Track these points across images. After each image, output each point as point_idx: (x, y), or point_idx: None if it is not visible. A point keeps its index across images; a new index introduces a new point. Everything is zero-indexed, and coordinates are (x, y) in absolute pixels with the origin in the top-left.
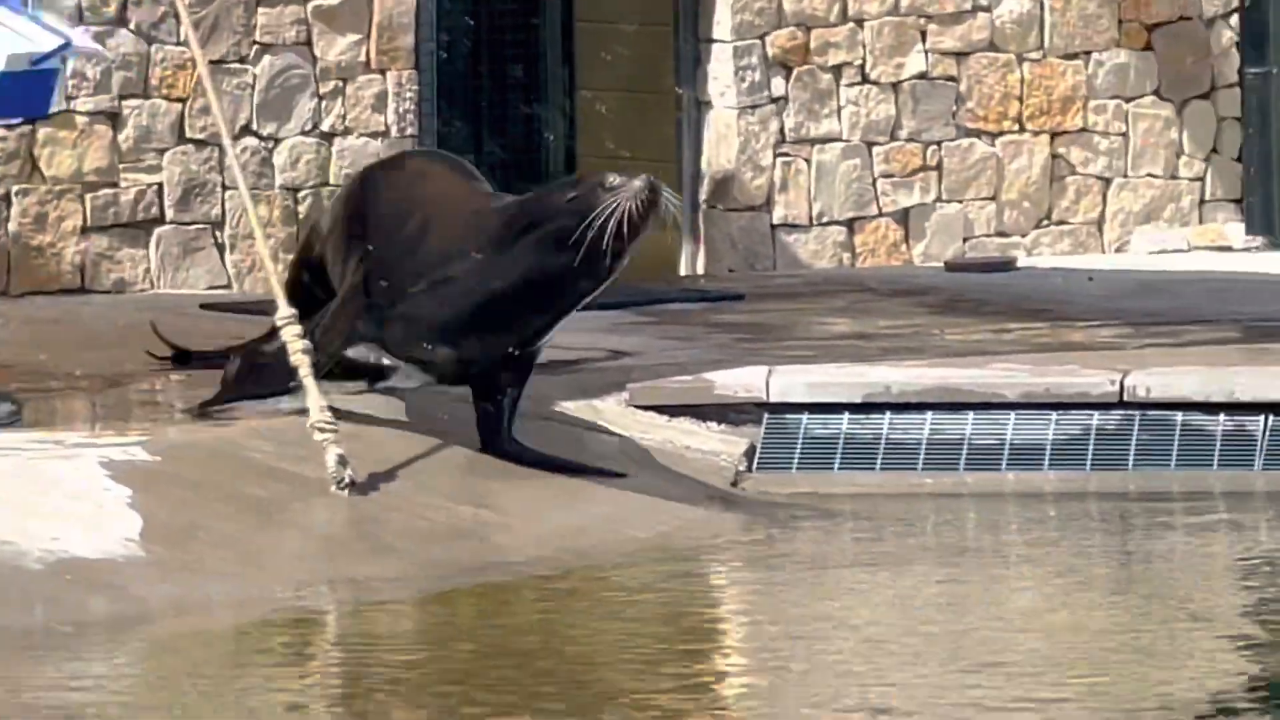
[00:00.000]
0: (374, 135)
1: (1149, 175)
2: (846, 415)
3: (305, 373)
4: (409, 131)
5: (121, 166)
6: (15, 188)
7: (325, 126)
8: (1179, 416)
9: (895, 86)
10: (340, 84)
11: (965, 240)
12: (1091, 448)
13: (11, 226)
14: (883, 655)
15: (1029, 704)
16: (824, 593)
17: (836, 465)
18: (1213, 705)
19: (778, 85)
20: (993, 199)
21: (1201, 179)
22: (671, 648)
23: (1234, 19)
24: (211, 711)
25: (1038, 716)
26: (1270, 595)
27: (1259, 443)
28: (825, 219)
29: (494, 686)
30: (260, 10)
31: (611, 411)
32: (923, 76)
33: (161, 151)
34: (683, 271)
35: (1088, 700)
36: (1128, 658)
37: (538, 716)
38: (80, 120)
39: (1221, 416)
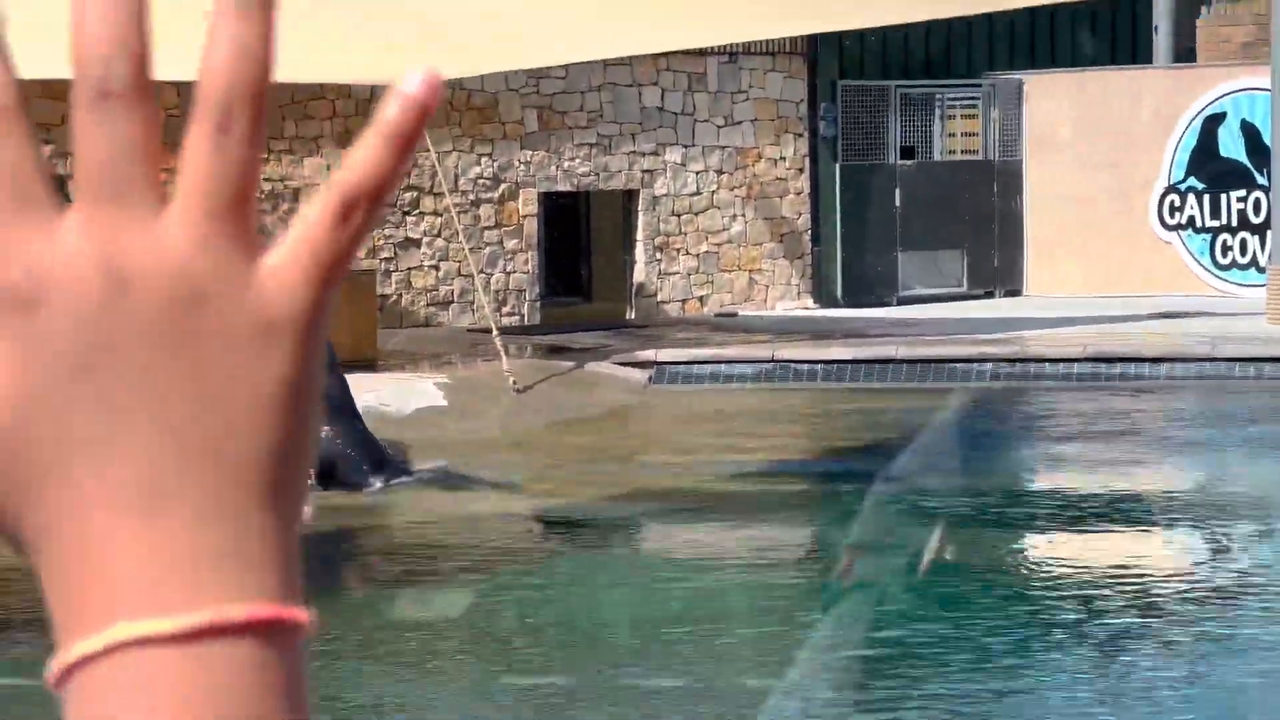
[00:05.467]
0: None
1: (783, 284)
2: (680, 366)
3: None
4: None
5: None
6: None
7: None
8: (797, 366)
9: None
10: None
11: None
12: (772, 373)
13: None
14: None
15: None
16: (661, 399)
17: (677, 380)
18: None
19: None
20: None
21: (798, 283)
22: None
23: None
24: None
25: None
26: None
27: (819, 373)
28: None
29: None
30: None
31: (605, 367)
32: None
33: None
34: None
35: None
36: None
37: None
38: None
39: (819, 366)
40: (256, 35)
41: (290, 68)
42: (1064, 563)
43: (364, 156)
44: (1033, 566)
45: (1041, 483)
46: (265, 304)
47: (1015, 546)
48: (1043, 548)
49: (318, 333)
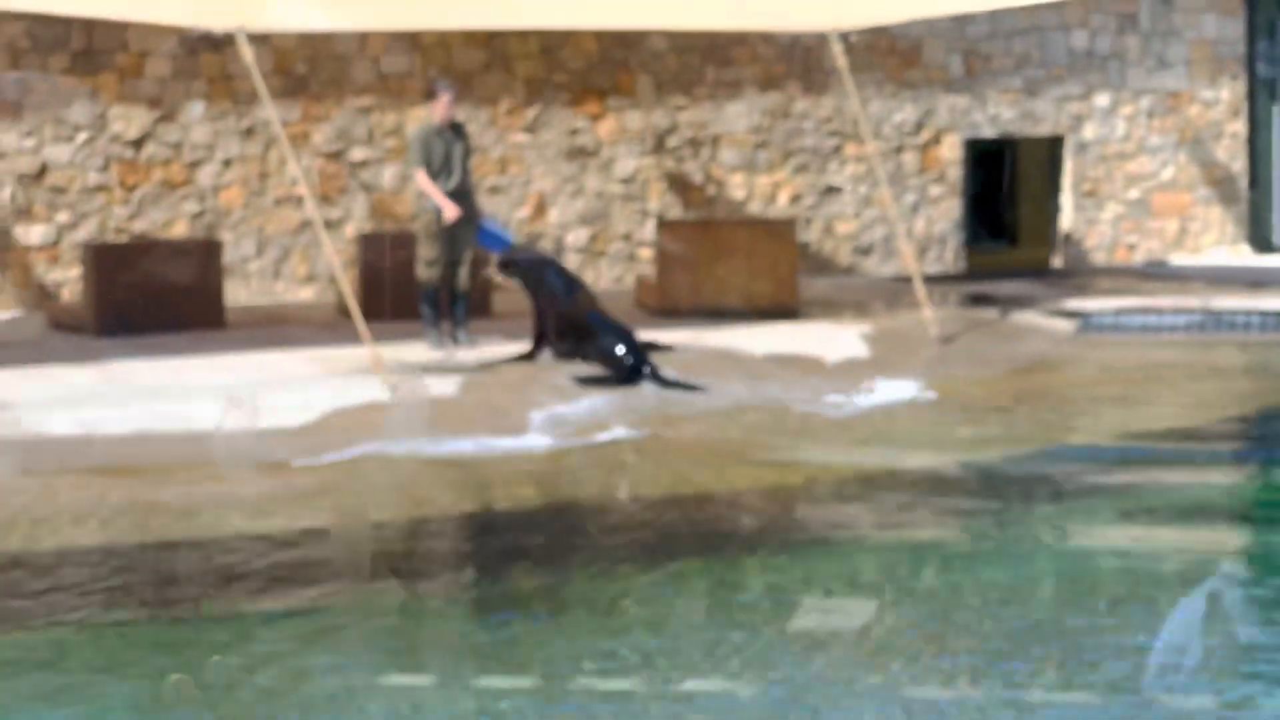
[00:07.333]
0: None
1: (1217, 230)
2: (1109, 317)
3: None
4: None
5: None
6: None
7: None
8: (1233, 317)
9: None
10: None
11: (1150, 252)
12: (1205, 324)
13: None
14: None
15: None
16: (1088, 351)
17: (1105, 330)
18: None
19: None
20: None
21: (1234, 229)
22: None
23: (1242, 155)
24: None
25: None
26: None
27: (1254, 324)
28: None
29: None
30: None
31: (1031, 316)
32: None
33: None
34: (1054, 263)
35: None
36: None
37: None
38: None
39: (1255, 317)
40: None
41: (713, 16)
42: None
43: None
44: None
45: None
46: None
47: None
48: None
49: None
